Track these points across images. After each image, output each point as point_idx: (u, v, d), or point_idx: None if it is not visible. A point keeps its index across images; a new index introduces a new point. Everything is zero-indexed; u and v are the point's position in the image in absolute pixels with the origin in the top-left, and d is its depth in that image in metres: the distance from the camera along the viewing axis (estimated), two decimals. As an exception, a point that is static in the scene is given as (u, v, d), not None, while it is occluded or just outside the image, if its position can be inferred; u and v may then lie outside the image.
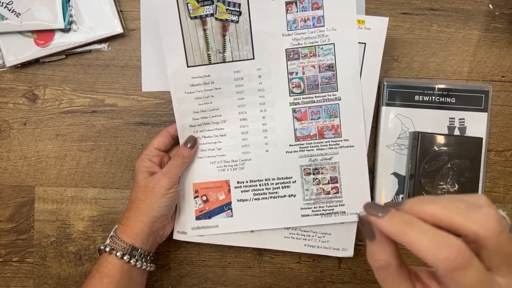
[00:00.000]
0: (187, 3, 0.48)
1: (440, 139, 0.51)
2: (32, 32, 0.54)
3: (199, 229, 0.53)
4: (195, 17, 0.49)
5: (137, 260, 0.47)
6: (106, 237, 0.56)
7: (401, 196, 0.54)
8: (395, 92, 0.54)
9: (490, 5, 0.55)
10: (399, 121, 0.54)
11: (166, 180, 0.49)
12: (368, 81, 0.51)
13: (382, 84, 0.54)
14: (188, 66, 0.50)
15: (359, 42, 0.50)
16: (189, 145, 0.51)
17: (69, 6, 0.53)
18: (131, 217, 0.48)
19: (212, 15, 0.49)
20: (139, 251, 0.47)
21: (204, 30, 0.49)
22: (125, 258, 0.46)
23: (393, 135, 0.54)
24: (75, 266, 0.57)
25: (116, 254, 0.46)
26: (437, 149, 0.51)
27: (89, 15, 0.54)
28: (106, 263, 0.46)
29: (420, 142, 0.51)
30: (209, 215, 0.53)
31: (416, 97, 0.54)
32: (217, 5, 0.49)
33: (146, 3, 0.55)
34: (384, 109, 0.54)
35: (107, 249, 0.46)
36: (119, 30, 0.54)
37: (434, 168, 0.51)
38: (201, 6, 0.48)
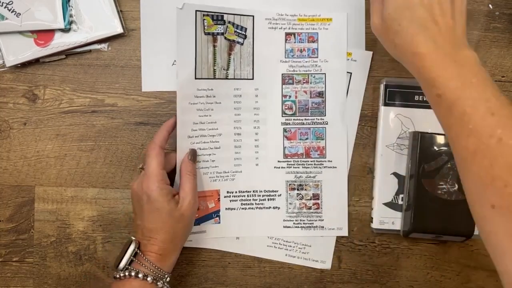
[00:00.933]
0: (204, 19, 0.52)
1: (440, 139, 0.51)
2: (32, 32, 0.54)
3: None
4: (208, 33, 0.53)
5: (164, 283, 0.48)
6: (107, 237, 0.56)
7: (401, 196, 0.54)
8: (395, 92, 0.54)
9: (490, 5, 0.55)
10: (399, 121, 0.54)
11: (197, 205, 0.51)
12: (352, 107, 0.55)
13: (382, 84, 0.54)
14: (195, 78, 0.53)
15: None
16: (191, 157, 0.52)
17: (69, 6, 0.53)
18: (171, 248, 0.48)
19: (222, 34, 0.53)
20: (169, 275, 0.49)
21: (214, 46, 0.53)
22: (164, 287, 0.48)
23: (393, 135, 0.54)
24: (75, 266, 0.57)
25: (157, 284, 0.47)
26: (437, 149, 0.51)
27: (89, 15, 0.54)
28: None
29: (420, 142, 0.51)
30: (198, 221, 0.55)
31: (416, 97, 0.54)
32: (227, 26, 0.53)
33: (146, 3, 0.55)
34: (383, 109, 0.54)
35: (149, 279, 0.46)
36: (119, 30, 0.54)
37: (434, 168, 0.51)
38: (215, 24, 0.53)
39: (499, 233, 0.34)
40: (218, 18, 0.53)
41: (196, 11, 0.52)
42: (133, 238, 0.48)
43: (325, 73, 0.55)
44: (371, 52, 0.55)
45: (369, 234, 0.56)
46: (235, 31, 0.54)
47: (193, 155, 0.53)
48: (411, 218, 0.51)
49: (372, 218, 0.54)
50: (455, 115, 0.36)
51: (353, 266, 0.56)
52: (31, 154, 0.56)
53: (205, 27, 0.53)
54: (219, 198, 0.55)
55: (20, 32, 0.53)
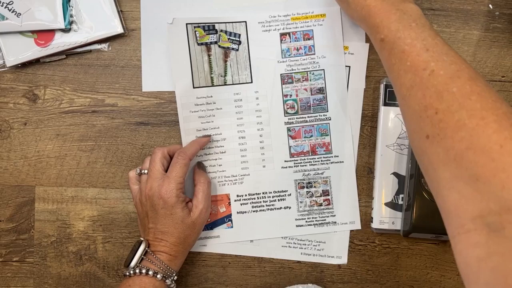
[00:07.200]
0: (195, 31, 0.54)
1: (440, 139, 0.51)
2: (33, 32, 0.54)
3: (201, 239, 0.56)
4: (201, 44, 0.54)
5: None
6: (107, 237, 0.56)
7: (401, 196, 0.54)
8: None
9: (490, 5, 0.55)
10: (399, 121, 0.54)
11: (209, 212, 0.53)
12: (354, 101, 0.55)
13: (382, 84, 0.54)
14: (194, 87, 0.54)
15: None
16: (201, 166, 0.55)
17: (69, 6, 0.54)
18: (180, 250, 0.50)
19: (216, 42, 0.55)
20: (177, 273, 0.50)
21: (209, 55, 0.54)
22: (172, 286, 0.49)
23: (393, 135, 0.54)
24: (75, 266, 0.57)
25: (165, 281, 0.48)
26: (437, 149, 0.51)
27: (89, 15, 0.54)
28: None
29: (420, 142, 0.51)
30: (211, 226, 0.56)
31: (416, 97, 0.54)
32: (220, 34, 0.54)
33: (146, 3, 0.55)
34: (383, 109, 0.54)
35: (158, 276, 0.47)
36: (119, 30, 0.54)
37: (434, 168, 0.51)
38: (207, 34, 0.54)
39: (434, 163, 0.35)
40: (209, 28, 0.54)
41: (186, 24, 0.54)
42: (142, 238, 0.50)
43: (323, 69, 0.55)
44: (368, 44, 0.55)
45: (369, 234, 0.56)
46: (228, 38, 0.54)
47: (201, 165, 0.55)
48: (411, 218, 0.51)
49: (372, 218, 0.54)
50: (395, 54, 0.39)
51: (353, 266, 0.56)
52: (32, 154, 0.56)
53: (197, 38, 0.54)
54: (229, 202, 0.56)
55: (21, 32, 0.53)
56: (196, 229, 0.51)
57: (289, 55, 0.55)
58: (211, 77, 0.55)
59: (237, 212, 0.56)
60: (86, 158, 0.56)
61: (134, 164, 0.56)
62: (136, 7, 0.56)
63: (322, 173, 0.56)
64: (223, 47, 0.55)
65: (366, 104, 0.55)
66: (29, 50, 0.54)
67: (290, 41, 0.55)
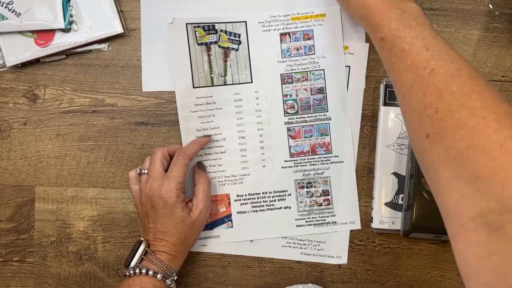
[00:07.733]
0: (195, 31, 0.54)
1: (440, 139, 0.51)
2: (33, 32, 0.54)
3: (201, 239, 0.56)
4: (201, 44, 0.54)
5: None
6: (107, 237, 0.56)
7: (401, 196, 0.54)
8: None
9: (490, 5, 0.55)
10: (399, 121, 0.54)
11: (209, 211, 0.53)
12: (354, 101, 0.56)
13: (382, 84, 0.54)
14: (193, 87, 0.55)
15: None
16: (201, 166, 0.55)
17: (69, 6, 0.54)
18: (181, 251, 0.50)
19: (216, 42, 0.55)
20: (177, 273, 0.50)
21: (209, 55, 0.54)
22: (172, 286, 0.49)
23: (393, 135, 0.54)
24: (75, 266, 0.57)
25: (165, 281, 0.48)
26: (437, 149, 0.51)
27: (89, 15, 0.54)
28: None
29: (420, 142, 0.51)
30: (211, 226, 0.56)
31: (416, 97, 0.54)
32: (220, 34, 0.54)
33: (146, 3, 0.55)
34: (383, 109, 0.54)
35: (158, 276, 0.47)
36: (119, 30, 0.54)
37: (434, 168, 0.51)
38: (207, 34, 0.54)
39: (434, 162, 0.35)
40: (209, 28, 0.54)
41: (186, 24, 0.54)
42: (142, 238, 0.50)
43: (323, 69, 0.55)
44: (368, 44, 0.55)
45: (369, 234, 0.56)
46: (228, 38, 0.54)
47: (201, 165, 0.55)
48: (411, 218, 0.51)
49: (372, 218, 0.54)
50: (395, 53, 0.40)
51: (353, 266, 0.56)
52: (32, 154, 0.56)
53: (197, 38, 0.54)
54: (229, 202, 0.56)
55: (21, 32, 0.53)
56: (196, 229, 0.51)
57: (289, 55, 0.55)
58: (211, 77, 0.55)
59: (237, 212, 0.56)
60: (86, 158, 0.56)
61: (134, 164, 0.56)
62: (136, 7, 0.56)
63: (322, 173, 0.56)
64: (223, 47, 0.55)
65: (366, 104, 0.56)
66: (29, 50, 0.54)
67: (290, 41, 0.55)
